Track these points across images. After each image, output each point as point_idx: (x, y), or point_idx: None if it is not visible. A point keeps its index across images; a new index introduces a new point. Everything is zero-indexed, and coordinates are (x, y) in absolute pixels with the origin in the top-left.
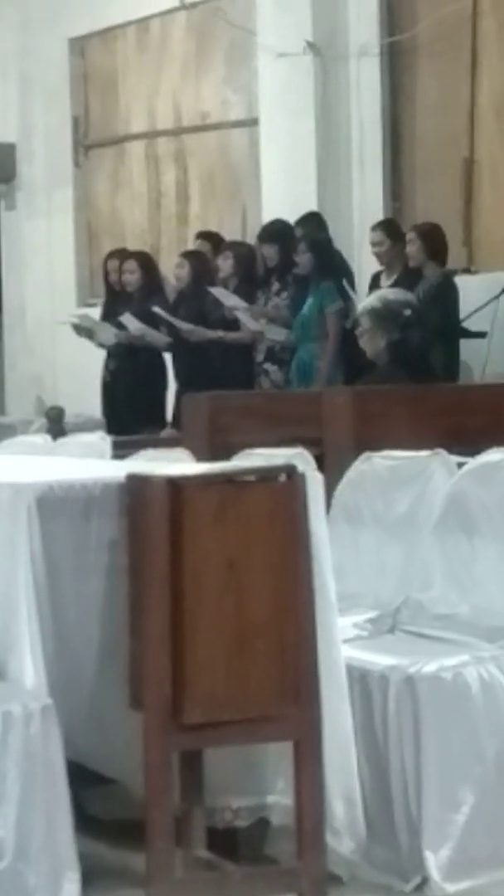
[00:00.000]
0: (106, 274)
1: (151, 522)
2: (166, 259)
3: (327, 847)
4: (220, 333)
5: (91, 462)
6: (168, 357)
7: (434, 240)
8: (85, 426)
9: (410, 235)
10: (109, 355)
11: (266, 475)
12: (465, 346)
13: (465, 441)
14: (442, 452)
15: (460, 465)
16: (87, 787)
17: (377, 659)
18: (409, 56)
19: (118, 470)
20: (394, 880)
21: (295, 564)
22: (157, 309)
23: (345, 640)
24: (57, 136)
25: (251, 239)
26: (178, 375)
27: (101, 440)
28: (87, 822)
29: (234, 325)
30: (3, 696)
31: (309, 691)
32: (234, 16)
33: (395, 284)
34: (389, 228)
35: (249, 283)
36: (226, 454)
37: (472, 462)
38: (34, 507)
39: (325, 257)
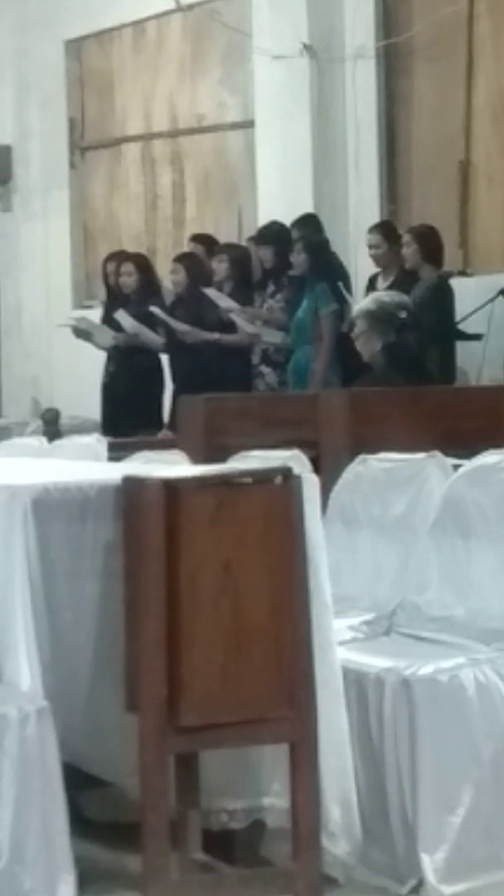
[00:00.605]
0: (105, 276)
1: (147, 524)
2: (163, 261)
3: (323, 849)
4: (216, 335)
5: (87, 464)
6: (165, 359)
7: (430, 242)
8: (81, 428)
9: (407, 238)
10: (109, 358)
11: (262, 477)
12: (461, 348)
13: (461, 443)
14: (438, 455)
15: (456, 467)
16: (83, 790)
17: (373, 661)
18: (405, 59)
19: (114, 472)
20: (390, 883)
21: (291, 566)
22: (154, 309)
23: (341, 643)
24: (53, 138)
25: (246, 241)
26: (174, 378)
27: (97, 442)
28: (82, 824)
29: (230, 327)
30: None
31: (305, 693)
32: (230, 18)
33: (391, 287)
34: (386, 230)
35: (245, 285)
36: (222, 456)
37: (468, 464)
38: (30, 510)
39: (320, 259)
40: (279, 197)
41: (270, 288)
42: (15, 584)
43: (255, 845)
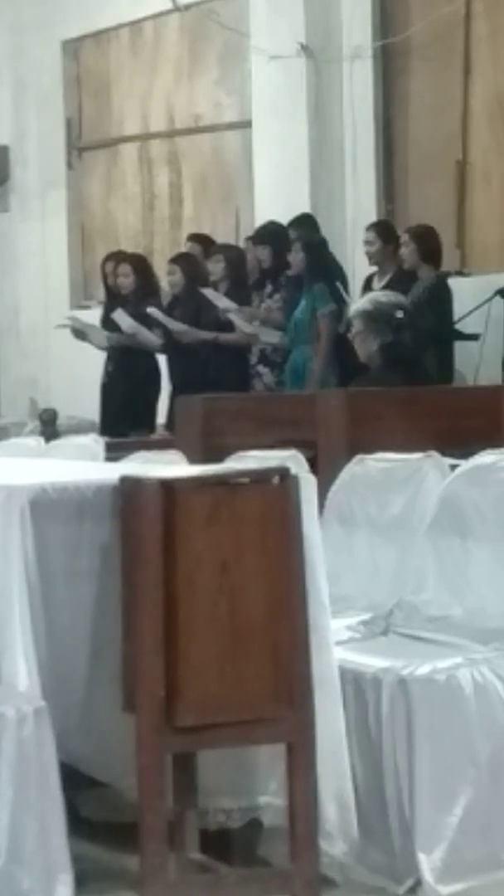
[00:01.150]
0: (104, 277)
1: (144, 524)
2: (160, 261)
3: (320, 850)
4: (214, 335)
5: (84, 464)
6: (162, 360)
7: (428, 242)
8: (78, 428)
9: (404, 238)
10: (109, 358)
11: (259, 477)
12: (459, 348)
13: (458, 443)
14: (435, 454)
15: (453, 467)
16: (81, 790)
17: (370, 661)
18: (402, 59)
19: (111, 472)
20: (387, 882)
21: (288, 567)
22: (151, 310)
23: (338, 643)
24: (50, 138)
25: (243, 241)
26: (171, 378)
27: (95, 442)
28: (80, 824)
29: (227, 327)
30: None
31: (302, 693)
32: (227, 18)
33: (387, 286)
34: (383, 230)
35: (241, 285)
36: (219, 456)
37: (465, 464)
38: (27, 510)
39: (318, 259)
40: (276, 197)
41: (268, 288)
42: (12, 584)
43: (253, 845)
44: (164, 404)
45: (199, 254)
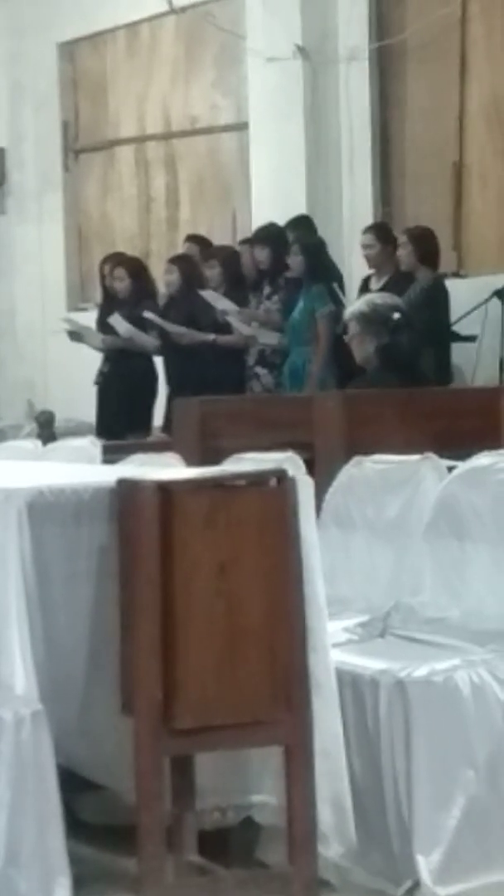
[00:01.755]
0: (102, 278)
1: (142, 527)
2: (156, 264)
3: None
4: (212, 336)
5: (81, 467)
6: (159, 362)
7: (426, 244)
8: (76, 431)
9: (402, 239)
10: (105, 359)
11: (256, 480)
12: (456, 349)
13: (456, 445)
14: (432, 456)
15: (451, 468)
16: (79, 793)
17: (368, 663)
18: (398, 60)
19: (109, 475)
20: (385, 884)
21: (285, 569)
22: (147, 313)
23: (335, 645)
24: (47, 140)
25: (238, 244)
26: (169, 380)
27: (92, 445)
28: (78, 827)
29: (225, 328)
30: None
31: (299, 696)
32: (223, 20)
33: (384, 288)
34: (380, 232)
35: (237, 286)
36: (216, 459)
37: (463, 466)
38: (24, 512)
39: (316, 261)
40: (273, 199)
41: (267, 289)
42: (9, 586)
43: (251, 848)
44: (162, 406)
45: (196, 255)
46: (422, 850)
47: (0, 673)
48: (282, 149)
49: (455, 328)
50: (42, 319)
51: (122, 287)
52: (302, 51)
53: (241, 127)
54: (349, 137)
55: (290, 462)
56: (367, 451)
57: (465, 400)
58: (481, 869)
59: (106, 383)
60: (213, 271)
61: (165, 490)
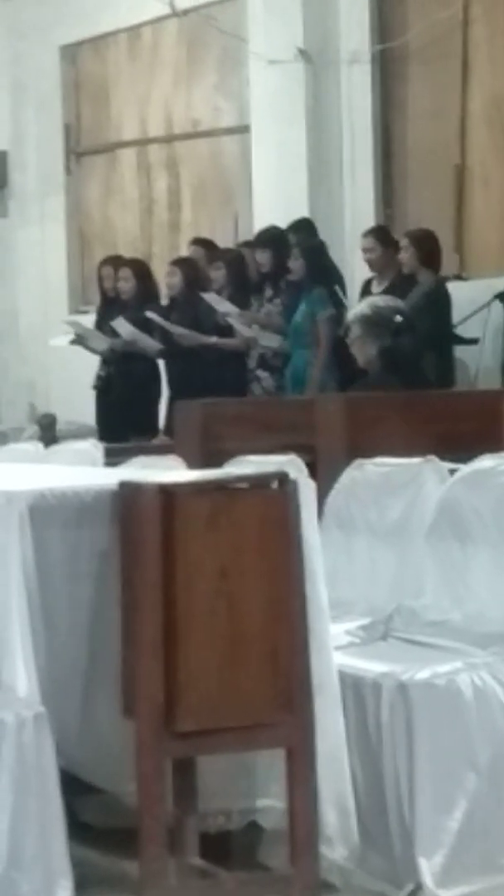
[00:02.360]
0: (100, 281)
1: (144, 530)
2: (158, 266)
3: (320, 854)
4: (213, 339)
5: (83, 469)
6: (161, 364)
7: (427, 246)
8: (77, 434)
9: (404, 242)
10: (104, 362)
11: (258, 482)
12: (458, 352)
13: (457, 447)
14: (434, 459)
15: (452, 471)
16: (80, 795)
17: (370, 666)
18: (400, 63)
19: (110, 477)
20: (387, 887)
21: (287, 571)
22: (150, 313)
23: (337, 647)
24: (49, 143)
25: (240, 247)
26: (170, 382)
27: (94, 447)
28: (80, 829)
29: (227, 331)
30: None
31: (301, 698)
32: (225, 23)
33: (386, 291)
34: (381, 235)
35: (242, 289)
36: (218, 461)
37: (464, 469)
38: (26, 515)
39: (318, 264)
40: (275, 201)
41: (268, 292)
42: (11, 589)
43: (253, 850)
44: (163, 409)
45: (202, 258)
46: (424, 853)
47: (2, 675)
48: (283, 151)
49: (457, 331)
50: (44, 322)
51: (128, 288)
52: (304, 53)
53: (243, 130)
54: (351, 140)
55: (291, 465)
56: (369, 453)
57: (466, 403)
58: (483, 872)
59: (108, 386)
60: (217, 273)
61: (167, 493)
